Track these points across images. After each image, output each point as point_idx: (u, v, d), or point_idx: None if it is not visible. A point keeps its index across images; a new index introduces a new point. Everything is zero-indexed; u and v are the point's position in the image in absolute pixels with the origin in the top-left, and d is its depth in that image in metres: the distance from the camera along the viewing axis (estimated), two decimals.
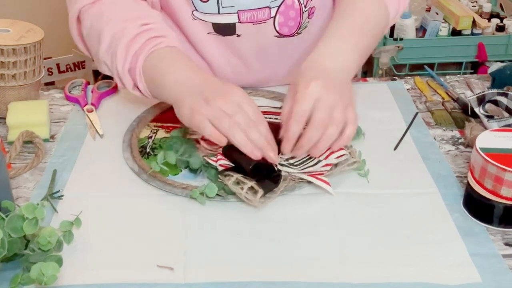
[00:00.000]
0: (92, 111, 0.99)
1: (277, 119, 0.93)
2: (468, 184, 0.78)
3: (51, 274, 0.64)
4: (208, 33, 1.00)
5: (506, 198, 0.73)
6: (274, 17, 0.99)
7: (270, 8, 0.97)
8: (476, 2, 2.11)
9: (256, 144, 0.78)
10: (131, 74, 0.88)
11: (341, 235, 0.75)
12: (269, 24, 0.99)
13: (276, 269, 0.70)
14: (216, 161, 0.82)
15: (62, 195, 0.81)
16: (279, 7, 0.98)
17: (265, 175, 0.79)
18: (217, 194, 0.80)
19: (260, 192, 0.77)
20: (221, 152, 0.83)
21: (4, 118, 0.95)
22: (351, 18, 0.92)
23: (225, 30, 1.00)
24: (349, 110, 0.80)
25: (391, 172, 0.86)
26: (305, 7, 1.00)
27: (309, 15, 1.02)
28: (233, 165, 0.81)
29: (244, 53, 1.04)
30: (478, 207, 0.77)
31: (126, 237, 0.75)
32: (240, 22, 0.98)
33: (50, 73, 2.01)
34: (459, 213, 0.79)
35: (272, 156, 0.78)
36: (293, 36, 1.02)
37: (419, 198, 0.81)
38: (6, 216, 0.68)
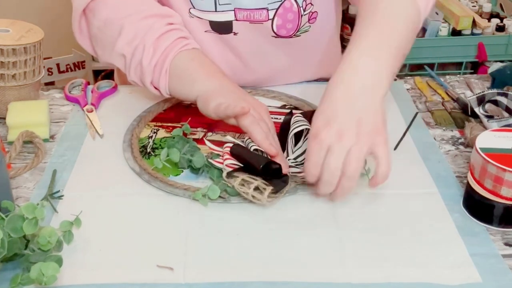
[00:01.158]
0: (92, 111, 0.99)
1: (277, 118, 0.93)
2: (468, 184, 0.78)
3: (51, 274, 0.64)
4: (205, 31, 1.00)
5: (506, 198, 0.73)
6: (272, 19, 0.98)
7: (268, 10, 0.97)
8: (476, 2, 2.11)
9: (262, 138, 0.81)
10: (156, 69, 0.90)
11: (341, 235, 0.75)
12: (266, 25, 0.99)
13: (276, 269, 0.70)
14: (222, 162, 0.82)
15: (62, 195, 0.81)
16: (277, 9, 0.97)
17: (274, 175, 0.79)
18: (219, 196, 0.80)
19: (268, 189, 0.77)
20: (228, 151, 0.83)
21: (4, 118, 0.95)
22: (376, 21, 0.79)
23: (222, 28, 1.00)
24: (377, 147, 0.73)
25: (391, 172, 0.86)
26: (304, 11, 0.99)
27: (309, 19, 1.01)
28: (240, 165, 0.81)
29: (241, 51, 1.04)
30: (478, 207, 0.77)
31: (126, 237, 0.75)
32: (236, 20, 0.98)
33: (50, 73, 2.01)
34: (459, 213, 0.79)
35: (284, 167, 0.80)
36: (291, 37, 1.02)
37: (419, 198, 0.81)
38: (6, 216, 0.68)
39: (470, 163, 0.77)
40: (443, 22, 1.98)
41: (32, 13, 2.05)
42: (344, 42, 2.30)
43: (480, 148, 0.74)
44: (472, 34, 1.98)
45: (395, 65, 0.78)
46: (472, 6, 2.08)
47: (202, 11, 0.98)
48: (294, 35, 1.01)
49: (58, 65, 2.02)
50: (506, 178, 0.72)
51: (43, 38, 0.99)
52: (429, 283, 0.68)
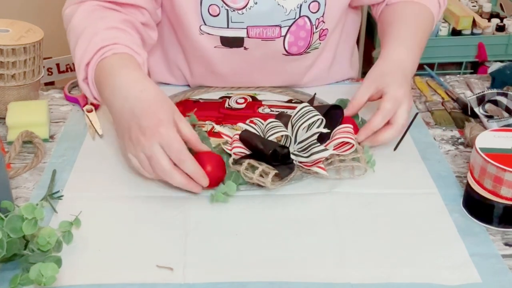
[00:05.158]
0: (91, 111, 0.99)
1: (283, 112, 0.93)
2: (467, 184, 0.78)
3: (50, 275, 0.64)
4: (214, 47, 1.00)
5: (506, 198, 0.73)
6: (284, 36, 0.98)
7: (281, 27, 0.97)
8: (476, 2, 2.11)
9: (177, 185, 0.78)
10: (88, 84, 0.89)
11: (341, 235, 0.75)
12: (278, 42, 0.99)
13: (276, 269, 0.70)
14: (231, 150, 0.83)
15: (62, 195, 0.81)
16: (290, 26, 0.97)
17: (282, 160, 0.80)
18: None
19: (272, 172, 0.78)
20: (237, 139, 0.83)
21: (4, 118, 0.95)
22: (405, 25, 0.98)
23: (232, 42, 0.99)
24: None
25: (391, 172, 0.86)
26: (316, 28, 0.98)
27: (320, 36, 1.01)
28: (248, 153, 0.82)
29: (249, 65, 1.03)
30: (478, 207, 0.77)
31: (126, 237, 0.75)
32: (248, 37, 0.98)
33: (50, 73, 2.01)
34: (459, 213, 0.79)
35: (197, 190, 0.79)
36: (301, 54, 1.02)
37: (419, 198, 0.81)
38: (6, 216, 0.68)
39: (470, 163, 0.77)
40: (443, 22, 1.98)
41: (32, 13, 2.05)
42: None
43: (480, 148, 0.74)
44: (472, 34, 1.98)
45: (417, 55, 0.97)
46: (472, 6, 2.08)
47: (214, 27, 0.97)
48: (305, 52, 1.01)
49: (58, 65, 2.01)
50: (506, 178, 0.71)
51: (42, 38, 0.99)
52: (429, 283, 0.68)
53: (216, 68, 1.03)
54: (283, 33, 0.97)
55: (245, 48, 0.99)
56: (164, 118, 0.78)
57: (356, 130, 0.88)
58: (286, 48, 0.99)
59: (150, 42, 1.00)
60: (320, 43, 1.02)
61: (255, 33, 0.97)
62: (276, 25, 0.96)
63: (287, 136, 0.84)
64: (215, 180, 0.80)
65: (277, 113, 0.93)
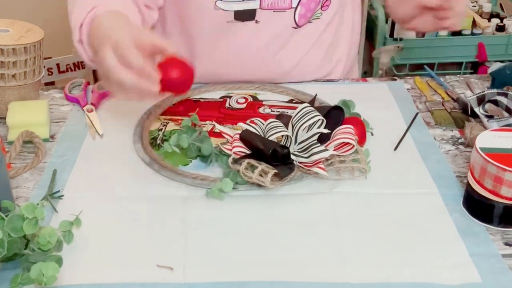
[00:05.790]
0: (92, 111, 0.99)
1: (283, 112, 0.94)
2: (468, 184, 0.78)
3: (50, 275, 0.64)
4: (227, 22, 1.02)
5: (506, 198, 0.73)
6: (296, 8, 1.01)
7: None
8: (476, 2, 2.11)
9: (128, 81, 0.73)
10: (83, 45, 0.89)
11: (340, 235, 0.75)
12: (289, 14, 1.02)
13: (276, 269, 0.70)
14: (231, 149, 0.83)
15: (62, 195, 0.81)
16: None
17: (282, 160, 0.80)
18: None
19: (271, 172, 0.78)
20: (237, 138, 0.84)
21: (4, 118, 0.95)
22: None
23: (245, 15, 1.02)
24: None
25: (391, 172, 0.86)
26: None
27: (322, 6, 1.04)
28: (248, 152, 0.82)
29: (258, 41, 1.05)
30: (478, 207, 0.77)
31: (126, 237, 0.75)
32: (261, 8, 1.01)
33: (50, 73, 2.01)
34: (459, 213, 0.79)
35: (153, 88, 0.73)
36: (304, 25, 1.05)
37: (419, 198, 0.81)
38: (6, 216, 0.68)
39: (470, 163, 0.77)
40: None
41: (32, 13, 2.05)
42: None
43: (480, 148, 0.74)
44: (472, 34, 1.98)
45: None
46: (472, 6, 2.08)
47: (229, 2, 0.99)
48: (308, 21, 1.04)
49: (58, 65, 2.01)
50: (506, 178, 0.72)
51: (43, 38, 0.99)
52: (429, 283, 0.68)
53: (223, 50, 1.04)
54: (294, 5, 1.01)
55: (256, 22, 1.02)
56: (119, 32, 0.76)
57: (361, 126, 0.88)
58: (296, 20, 1.03)
59: (150, 21, 1.02)
60: (321, 13, 1.05)
61: (267, 3, 1.00)
62: None
63: (287, 136, 0.85)
64: (183, 85, 0.77)
65: (277, 113, 0.93)
